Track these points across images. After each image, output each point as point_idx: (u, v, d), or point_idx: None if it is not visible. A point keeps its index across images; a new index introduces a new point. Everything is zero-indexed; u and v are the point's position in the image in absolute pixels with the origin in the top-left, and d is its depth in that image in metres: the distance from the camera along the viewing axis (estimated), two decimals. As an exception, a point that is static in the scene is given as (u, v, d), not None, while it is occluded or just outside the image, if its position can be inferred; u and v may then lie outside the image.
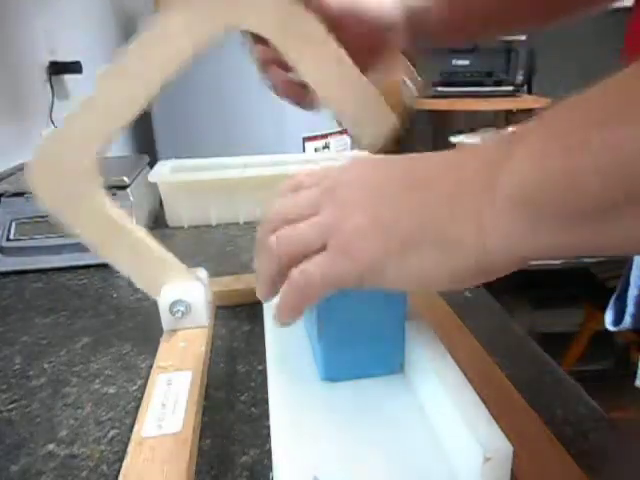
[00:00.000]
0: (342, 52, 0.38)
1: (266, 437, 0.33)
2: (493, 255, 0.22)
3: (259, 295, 0.31)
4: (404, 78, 0.44)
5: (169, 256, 0.44)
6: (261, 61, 0.43)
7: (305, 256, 0.27)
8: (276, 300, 0.30)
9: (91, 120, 0.39)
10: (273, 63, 0.42)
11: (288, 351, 0.36)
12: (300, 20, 0.37)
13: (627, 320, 0.49)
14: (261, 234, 0.30)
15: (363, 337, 0.32)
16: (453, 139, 1.59)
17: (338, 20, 0.39)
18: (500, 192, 0.21)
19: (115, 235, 0.41)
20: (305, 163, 0.86)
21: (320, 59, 0.38)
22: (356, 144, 0.40)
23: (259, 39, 0.39)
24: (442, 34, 0.46)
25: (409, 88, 0.43)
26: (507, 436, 0.23)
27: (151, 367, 0.39)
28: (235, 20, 0.37)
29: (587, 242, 0.20)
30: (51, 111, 1.08)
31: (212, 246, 0.68)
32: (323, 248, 0.26)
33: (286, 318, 0.29)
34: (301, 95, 0.42)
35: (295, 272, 0.27)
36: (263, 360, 0.36)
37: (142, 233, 0.42)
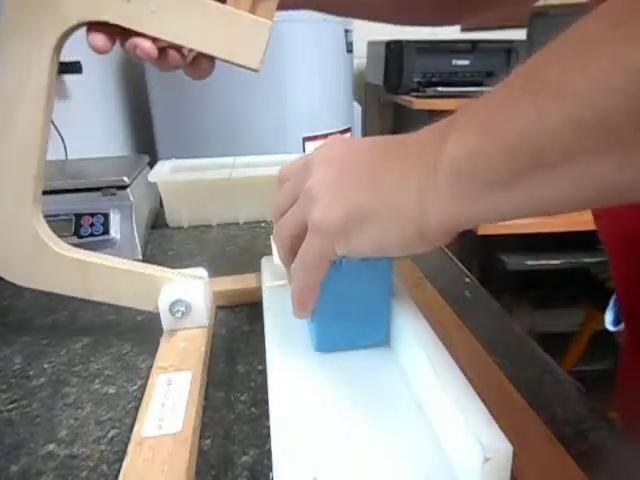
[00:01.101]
0: None
1: (266, 437, 0.33)
2: (430, 224, 0.26)
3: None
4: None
5: (148, 267, 0.44)
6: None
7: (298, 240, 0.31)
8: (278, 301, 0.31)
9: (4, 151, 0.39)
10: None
11: (288, 351, 0.36)
12: None
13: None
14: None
15: (352, 311, 0.35)
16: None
17: None
18: (437, 168, 0.25)
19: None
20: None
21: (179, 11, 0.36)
22: (244, 67, 0.38)
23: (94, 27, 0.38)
24: None
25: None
26: (507, 436, 0.23)
27: (151, 367, 0.39)
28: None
29: (501, 208, 0.24)
30: (51, 111, 1.08)
31: (212, 246, 0.68)
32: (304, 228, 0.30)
33: (302, 308, 0.33)
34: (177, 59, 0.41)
35: (294, 262, 0.31)
36: (263, 360, 0.36)
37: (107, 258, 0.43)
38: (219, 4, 0.37)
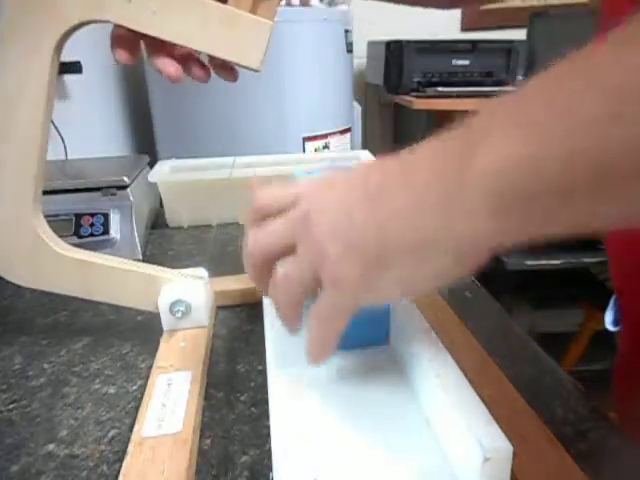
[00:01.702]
0: None
1: (266, 437, 0.33)
2: (466, 249, 0.23)
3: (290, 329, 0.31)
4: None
5: (147, 267, 0.44)
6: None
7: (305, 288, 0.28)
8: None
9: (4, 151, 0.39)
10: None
11: (288, 351, 0.36)
12: None
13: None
14: (250, 273, 0.31)
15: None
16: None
17: None
18: (467, 183, 0.22)
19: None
20: (305, 163, 0.86)
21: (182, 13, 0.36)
22: (245, 67, 0.38)
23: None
24: None
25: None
26: (507, 436, 0.23)
27: (151, 367, 0.39)
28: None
29: (552, 224, 0.21)
30: (51, 111, 1.08)
31: (212, 246, 0.68)
32: (315, 280, 0.27)
33: (319, 359, 0.30)
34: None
35: (312, 319, 0.28)
36: (263, 360, 0.36)
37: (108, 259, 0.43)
38: (220, 4, 0.37)
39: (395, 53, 1.62)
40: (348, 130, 1.31)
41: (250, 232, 0.30)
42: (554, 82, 0.20)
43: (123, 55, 0.38)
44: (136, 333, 0.47)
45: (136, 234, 0.65)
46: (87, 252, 0.44)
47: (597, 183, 0.19)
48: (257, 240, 0.30)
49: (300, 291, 0.28)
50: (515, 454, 0.23)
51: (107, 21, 0.36)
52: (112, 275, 0.43)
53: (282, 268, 0.28)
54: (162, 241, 0.70)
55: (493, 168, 0.21)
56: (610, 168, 0.18)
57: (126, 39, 0.37)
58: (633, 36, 0.18)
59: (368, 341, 0.36)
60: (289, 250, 0.28)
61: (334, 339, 0.29)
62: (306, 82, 1.18)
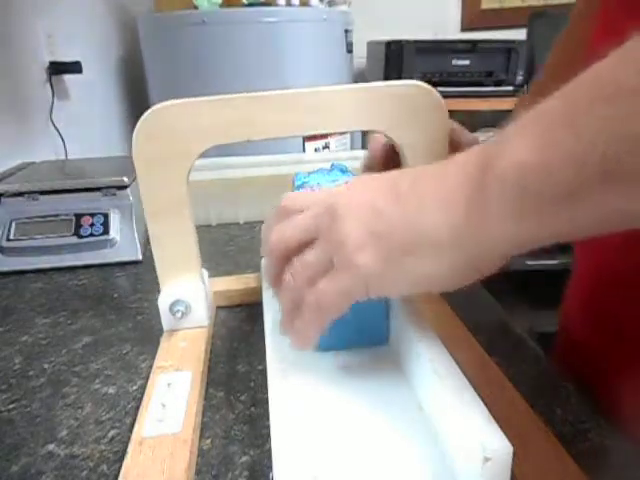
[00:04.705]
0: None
1: (266, 437, 0.33)
2: (483, 251, 0.24)
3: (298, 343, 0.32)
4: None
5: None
6: None
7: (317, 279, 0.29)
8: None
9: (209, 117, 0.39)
10: None
11: (288, 351, 0.36)
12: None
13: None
14: (270, 269, 0.32)
15: (351, 310, 0.34)
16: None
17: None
18: (486, 193, 0.23)
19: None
20: (305, 163, 0.86)
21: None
22: None
23: None
24: None
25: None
26: (507, 436, 0.23)
27: (151, 367, 0.39)
28: None
29: (562, 226, 0.22)
30: (51, 111, 1.08)
31: (212, 246, 0.68)
32: (330, 268, 0.28)
33: (306, 343, 0.31)
34: None
35: (310, 297, 0.29)
36: (263, 360, 0.36)
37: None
38: None
39: (395, 53, 1.62)
40: (348, 130, 1.31)
41: (275, 226, 0.31)
42: (564, 96, 0.22)
43: None
44: (136, 333, 0.47)
45: (136, 234, 0.65)
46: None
47: (608, 181, 0.20)
48: (281, 233, 0.31)
49: (313, 275, 0.29)
50: (515, 454, 0.23)
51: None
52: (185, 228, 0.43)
53: (300, 256, 0.29)
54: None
55: (509, 174, 0.22)
56: (616, 166, 0.19)
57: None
58: (629, 55, 0.20)
59: (368, 341, 0.36)
60: (311, 244, 0.29)
61: (326, 325, 0.30)
62: (306, 82, 1.18)
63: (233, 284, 0.51)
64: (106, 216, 0.65)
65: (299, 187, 0.41)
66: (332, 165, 0.45)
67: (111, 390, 0.39)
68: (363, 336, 0.36)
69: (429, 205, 0.25)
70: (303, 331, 0.30)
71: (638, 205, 0.20)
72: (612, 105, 0.19)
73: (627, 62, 0.20)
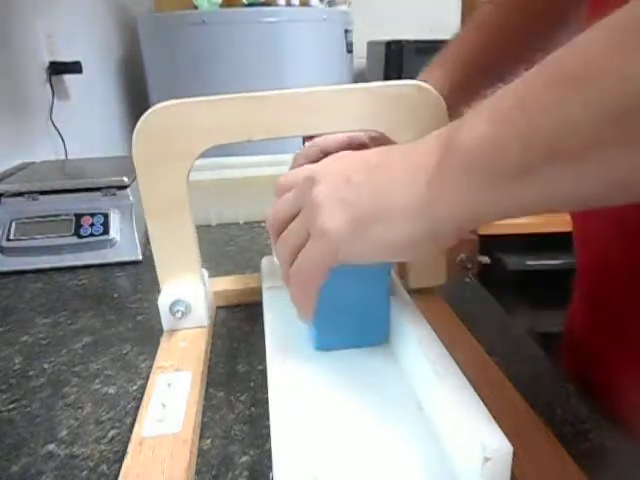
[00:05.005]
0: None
1: (266, 437, 0.33)
2: (440, 221, 0.26)
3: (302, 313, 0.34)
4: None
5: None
6: None
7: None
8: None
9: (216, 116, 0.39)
10: None
11: (288, 351, 0.36)
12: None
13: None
14: (272, 243, 0.35)
15: (352, 310, 0.35)
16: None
17: None
18: (445, 165, 0.25)
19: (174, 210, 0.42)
20: (305, 163, 0.86)
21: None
22: None
23: None
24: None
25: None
26: (507, 436, 0.23)
27: (151, 367, 0.39)
28: None
29: (513, 202, 0.23)
30: (51, 111, 1.08)
31: (212, 246, 0.68)
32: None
33: (303, 313, 0.33)
34: None
35: (292, 268, 0.31)
36: (263, 360, 0.36)
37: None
38: None
39: (395, 53, 1.62)
40: (348, 130, 1.31)
41: (271, 209, 0.34)
42: (524, 80, 0.23)
43: None
44: (136, 333, 0.47)
45: (136, 234, 0.65)
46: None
47: (552, 160, 0.21)
48: (274, 210, 0.34)
49: (295, 245, 0.31)
50: (515, 454, 0.23)
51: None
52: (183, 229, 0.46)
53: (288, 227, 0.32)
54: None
55: (464, 147, 0.24)
56: (561, 145, 0.20)
57: None
58: (576, 43, 0.21)
59: (369, 340, 0.36)
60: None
61: (314, 292, 0.31)
62: (306, 82, 1.18)
63: (233, 284, 0.51)
64: (106, 216, 0.65)
65: None
66: None
67: (111, 390, 0.39)
68: (364, 336, 0.36)
69: (395, 175, 0.27)
70: (297, 302, 0.33)
71: (580, 185, 0.21)
72: (556, 90, 0.21)
73: (573, 51, 0.21)
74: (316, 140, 0.50)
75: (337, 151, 0.42)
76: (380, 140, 0.47)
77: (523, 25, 0.50)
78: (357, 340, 0.36)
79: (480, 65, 0.50)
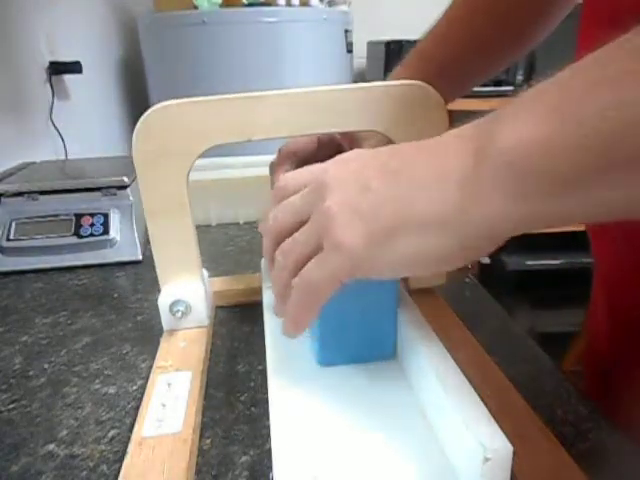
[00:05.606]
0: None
1: (266, 437, 0.33)
2: (474, 229, 0.23)
3: (284, 319, 0.31)
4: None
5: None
6: None
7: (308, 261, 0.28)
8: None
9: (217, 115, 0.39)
10: None
11: (288, 351, 0.36)
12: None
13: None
14: (266, 249, 0.31)
15: (356, 323, 0.33)
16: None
17: None
18: (484, 170, 0.22)
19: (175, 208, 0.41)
20: (305, 163, 0.86)
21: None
22: None
23: None
24: None
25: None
26: (507, 436, 0.23)
27: (151, 367, 0.39)
28: None
29: (561, 210, 0.21)
30: (51, 111, 1.08)
31: (212, 246, 0.68)
32: (320, 249, 0.27)
33: (296, 328, 0.30)
34: None
35: (297, 279, 0.28)
36: (263, 360, 0.36)
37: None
38: None
39: (395, 53, 1.62)
40: (348, 130, 1.31)
41: (271, 210, 0.31)
42: (568, 75, 0.21)
43: None
44: (136, 333, 0.47)
45: (136, 234, 0.65)
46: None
47: (607, 167, 0.19)
48: (275, 216, 0.30)
49: (302, 255, 0.28)
50: (515, 454, 0.23)
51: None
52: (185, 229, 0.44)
53: (291, 237, 0.29)
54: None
55: (509, 152, 0.21)
56: (619, 151, 0.19)
57: None
58: (631, 41, 0.19)
59: (373, 355, 0.35)
60: (304, 225, 0.28)
61: (318, 308, 0.28)
62: (306, 82, 1.18)
63: (233, 284, 0.51)
64: (106, 216, 0.65)
65: None
66: None
67: (111, 390, 0.39)
68: (369, 350, 0.35)
69: (421, 182, 0.24)
70: (293, 315, 0.30)
71: (636, 194, 0.20)
72: (615, 90, 0.19)
73: (629, 47, 0.19)
74: (286, 143, 0.47)
75: (311, 152, 0.41)
76: (352, 135, 0.46)
77: (487, 26, 0.49)
78: (362, 355, 0.35)
79: (449, 64, 0.49)
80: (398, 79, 0.40)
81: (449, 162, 0.24)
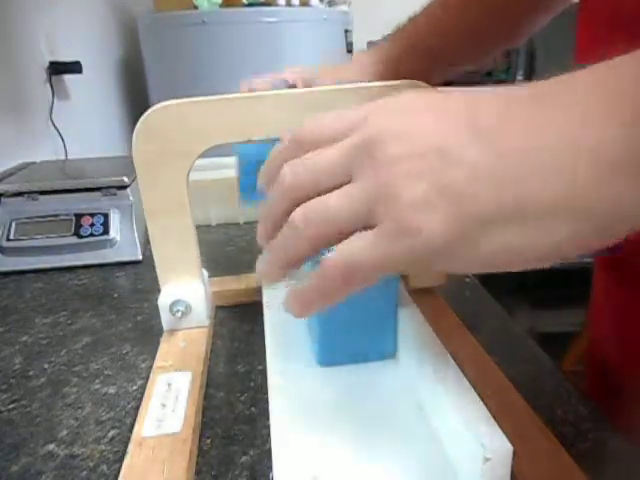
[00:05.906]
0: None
1: (266, 437, 0.33)
2: (622, 212, 0.17)
3: (266, 278, 0.25)
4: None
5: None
6: None
7: (340, 236, 0.21)
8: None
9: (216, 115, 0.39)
10: None
11: (288, 351, 0.36)
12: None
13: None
14: (269, 213, 0.24)
15: (357, 323, 0.33)
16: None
17: None
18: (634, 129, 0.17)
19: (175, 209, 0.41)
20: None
21: None
22: None
23: None
24: None
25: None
26: (507, 436, 0.23)
27: (151, 367, 0.39)
28: None
29: None
30: (51, 111, 1.08)
31: (212, 246, 0.68)
32: (366, 226, 0.21)
33: (306, 310, 0.24)
34: None
35: (333, 259, 0.21)
36: (263, 360, 0.36)
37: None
38: None
39: (395, 53, 1.61)
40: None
41: (285, 166, 0.23)
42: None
43: None
44: (136, 333, 0.47)
45: (136, 234, 0.65)
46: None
47: None
48: (297, 173, 0.22)
49: (336, 225, 0.21)
50: (515, 454, 0.23)
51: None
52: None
53: (321, 198, 0.21)
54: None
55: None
56: None
57: None
58: None
59: (374, 355, 0.35)
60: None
61: (341, 296, 0.22)
62: (306, 82, 1.18)
63: (233, 284, 0.51)
64: (106, 216, 0.65)
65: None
66: None
67: (111, 390, 0.39)
68: (369, 349, 0.35)
69: (534, 146, 0.18)
70: (307, 297, 0.23)
71: None
72: None
73: None
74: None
75: None
76: (307, 79, 0.45)
77: (483, 16, 0.49)
78: (362, 355, 0.35)
79: (442, 50, 0.50)
80: (389, 60, 0.40)
81: (571, 122, 0.17)
